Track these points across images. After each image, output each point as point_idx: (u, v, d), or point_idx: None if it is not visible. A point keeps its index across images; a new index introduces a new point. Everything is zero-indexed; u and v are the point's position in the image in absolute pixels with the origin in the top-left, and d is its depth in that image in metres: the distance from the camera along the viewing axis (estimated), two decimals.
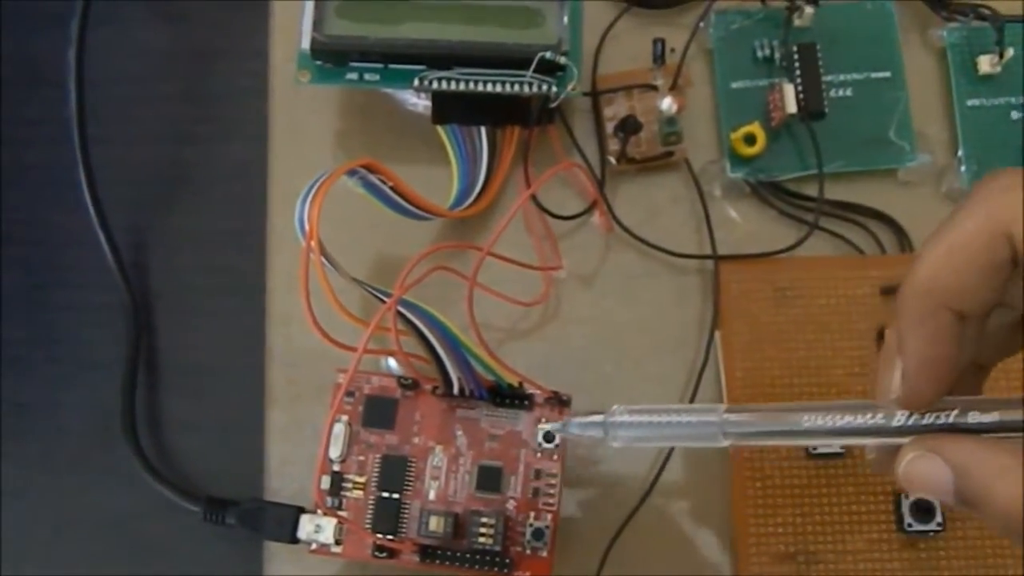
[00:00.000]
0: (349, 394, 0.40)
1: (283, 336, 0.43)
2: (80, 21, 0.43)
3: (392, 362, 0.42)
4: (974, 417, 0.27)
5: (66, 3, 0.44)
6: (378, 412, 0.40)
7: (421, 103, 0.44)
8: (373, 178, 0.38)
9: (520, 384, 0.39)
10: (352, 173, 0.37)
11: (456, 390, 0.38)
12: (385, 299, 0.36)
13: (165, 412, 0.43)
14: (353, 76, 0.42)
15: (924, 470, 0.27)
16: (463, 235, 0.44)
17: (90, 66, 0.43)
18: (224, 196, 0.45)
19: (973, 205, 0.26)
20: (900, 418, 0.28)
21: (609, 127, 0.44)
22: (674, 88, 0.44)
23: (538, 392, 0.39)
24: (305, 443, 0.42)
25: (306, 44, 0.41)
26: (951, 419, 0.27)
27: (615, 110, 0.44)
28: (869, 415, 0.28)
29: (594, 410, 0.32)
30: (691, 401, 0.42)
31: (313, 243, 0.35)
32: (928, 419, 0.27)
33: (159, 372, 0.44)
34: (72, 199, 0.43)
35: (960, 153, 0.44)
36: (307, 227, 0.35)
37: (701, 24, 0.45)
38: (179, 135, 0.46)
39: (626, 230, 0.43)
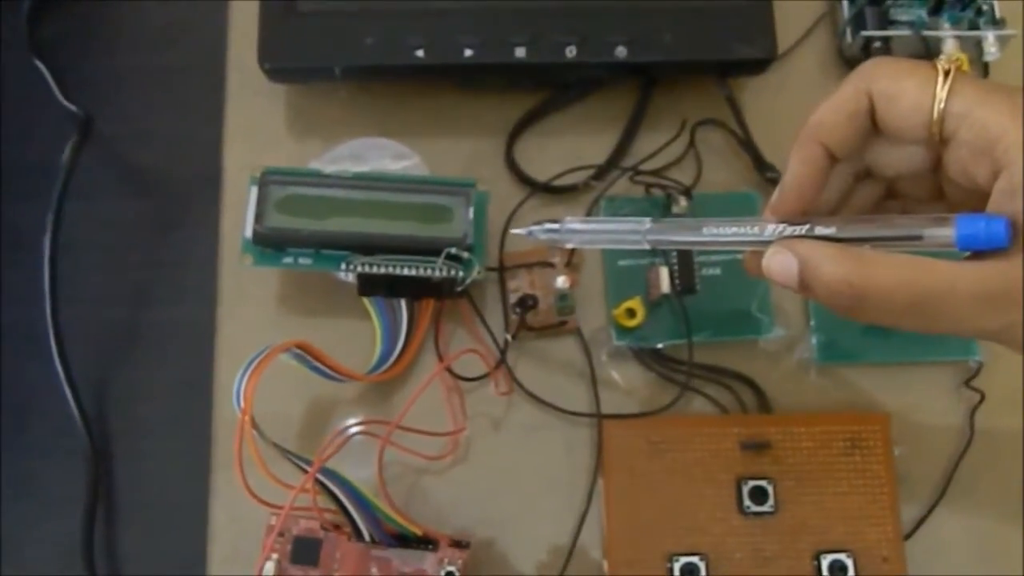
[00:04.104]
0: (280, 535, 0.46)
1: (225, 479, 0.49)
2: (59, 196, 0.50)
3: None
4: (819, 229, 0.35)
5: (46, 179, 0.50)
6: (304, 551, 0.46)
7: (351, 275, 0.50)
8: (304, 354, 0.45)
9: (424, 533, 0.45)
10: (286, 350, 0.44)
11: (367, 538, 0.45)
12: (306, 467, 0.42)
13: (120, 546, 0.49)
14: (289, 260, 0.48)
15: (779, 261, 0.35)
16: (381, 392, 0.50)
17: (63, 233, 0.50)
18: (177, 352, 0.51)
19: (854, 74, 0.36)
20: (770, 230, 0.36)
21: (513, 297, 0.51)
22: (568, 265, 0.51)
23: (441, 537, 0.46)
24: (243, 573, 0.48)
25: (249, 233, 0.48)
26: (803, 231, 0.35)
27: (517, 283, 0.51)
28: (749, 227, 0.37)
29: (552, 219, 0.40)
30: (575, 537, 0.49)
31: (247, 417, 0.42)
32: (788, 231, 0.36)
33: (115, 509, 0.50)
34: (40, 353, 0.50)
35: (812, 325, 0.51)
36: (243, 403, 0.42)
37: (593, 209, 0.52)
38: (138, 298, 0.52)
39: (524, 389, 0.50)
